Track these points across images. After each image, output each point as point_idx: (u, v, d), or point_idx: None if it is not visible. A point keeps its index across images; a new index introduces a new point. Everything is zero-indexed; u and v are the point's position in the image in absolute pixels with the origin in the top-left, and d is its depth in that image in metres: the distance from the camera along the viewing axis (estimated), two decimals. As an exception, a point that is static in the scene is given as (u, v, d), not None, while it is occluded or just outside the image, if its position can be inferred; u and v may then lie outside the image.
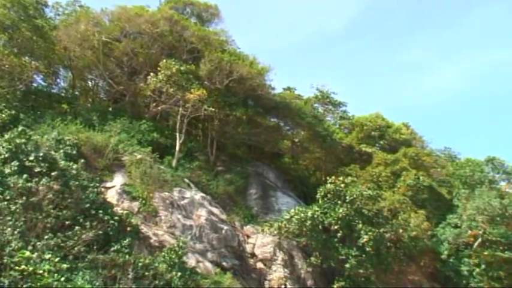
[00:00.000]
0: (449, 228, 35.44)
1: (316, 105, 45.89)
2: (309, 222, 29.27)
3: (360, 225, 29.83)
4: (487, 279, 32.96)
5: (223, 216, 29.13)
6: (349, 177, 32.44)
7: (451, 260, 34.37)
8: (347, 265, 28.86)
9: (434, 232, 35.58)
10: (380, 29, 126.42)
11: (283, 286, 28.21)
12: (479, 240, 34.31)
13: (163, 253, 22.53)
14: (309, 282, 29.59)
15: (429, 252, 34.77)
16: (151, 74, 32.34)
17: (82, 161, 23.17)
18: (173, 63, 32.06)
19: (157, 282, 21.17)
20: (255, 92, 35.67)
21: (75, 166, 22.07)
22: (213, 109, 33.25)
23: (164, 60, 32.34)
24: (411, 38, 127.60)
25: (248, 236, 30.27)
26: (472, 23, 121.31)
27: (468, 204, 36.29)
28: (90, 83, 38.77)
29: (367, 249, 29.21)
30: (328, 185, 31.15)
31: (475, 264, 33.57)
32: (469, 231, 34.72)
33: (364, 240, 29.33)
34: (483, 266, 33.31)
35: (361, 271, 29.01)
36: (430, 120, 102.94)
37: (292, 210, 30.37)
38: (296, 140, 40.23)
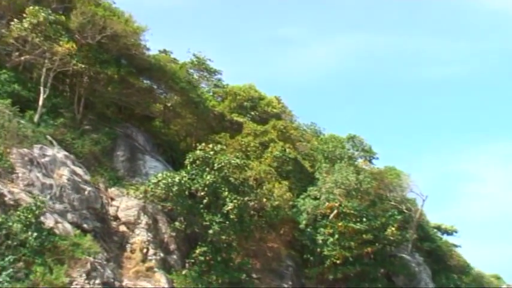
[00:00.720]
0: (309, 200, 37.23)
1: (191, 70, 45.44)
2: (175, 187, 29.18)
3: (226, 193, 30.33)
4: (339, 248, 35.26)
5: (87, 177, 28.05)
6: (219, 145, 32.74)
7: (308, 229, 36.24)
8: (210, 231, 29.29)
9: (295, 203, 37.18)
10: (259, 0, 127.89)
11: (145, 250, 28.00)
12: (335, 211, 36.55)
13: (18, 212, 21.35)
14: (172, 247, 29.67)
15: (289, 222, 36.41)
16: (15, 20, 29.80)
17: None
18: (41, 11, 29.79)
19: (10, 242, 20.07)
20: (129, 51, 34.33)
21: None
22: (83, 65, 31.54)
23: (31, 7, 29.93)
24: (287, 14, 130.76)
25: (112, 199, 29.50)
26: (346, 5, 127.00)
27: (328, 177, 38.38)
28: None
29: (231, 216, 29.82)
30: (198, 152, 31.22)
31: (329, 234, 35.70)
32: (327, 203, 36.77)
33: (229, 207, 29.88)
34: (336, 236, 35.52)
35: (223, 237, 29.63)
36: (300, 95, 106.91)
37: (160, 174, 30.05)
38: (168, 104, 39.57)
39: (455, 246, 56.85)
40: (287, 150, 39.08)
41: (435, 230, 55.51)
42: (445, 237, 56.58)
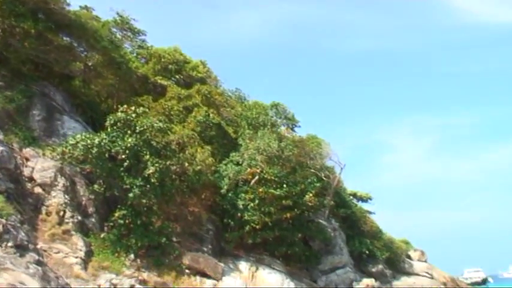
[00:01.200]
0: (231, 165, 37.47)
1: (114, 29, 43.78)
2: (95, 149, 28.51)
3: (148, 157, 29.98)
4: (259, 213, 35.84)
5: (0, 136, 26.75)
6: (141, 108, 32.16)
7: (229, 194, 36.53)
8: (130, 194, 28.99)
9: (217, 168, 37.33)
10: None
11: (62, 212, 27.30)
12: (257, 177, 36.99)
13: None
14: (90, 210, 29.11)
15: (210, 186, 36.55)
16: None
17: None
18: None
19: None
20: (47, 5, 32.56)
21: None
22: (-4, 17, 29.74)
23: None
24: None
25: (27, 159, 28.34)
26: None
27: (250, 144, 38.75)
28: None
29: (152, 180, 29.58)
30: (119, 114, 30.54)
31: (250, 199, 36.18)
32: (249, 169, 37.14)
33: (150, 171, 29.59)
34: (257, 202, 36.03)
35: (144, 201, 29.41)
36: (226, 60, 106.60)
37: (78, 135, 29.21)
38: (89, 64, 38.07)
39: (369, 212, 59.45)
40: (211, 115, 38.98)
41: (351, 197, 57.72)
42: (360, 204, 59.03)
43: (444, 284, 58.97)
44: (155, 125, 31.04)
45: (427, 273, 57.22)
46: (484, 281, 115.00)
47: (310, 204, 39.11)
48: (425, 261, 61.21)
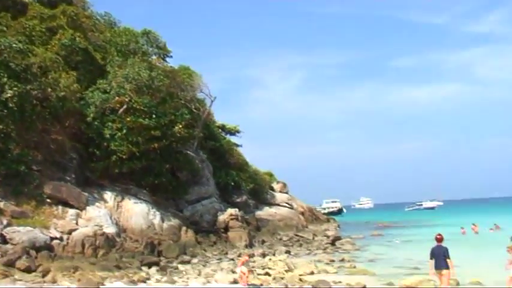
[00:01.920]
0: (98, 93, 36.06)
1: None
2: None
3: (5, 80, 28.05)
4: (127, 143, 35.18)
5: None
6: (-2, 26, 29.65)
7: (96, 123, 35.29)
8: (-15, 120, 27.09)
9: (83, 95, 35.77)
10: None
11: None
12: (125, 106, 36.02)
13: None
14: None
15: (75, 114, 35.02)
16: None
17: None
18: None
19: None
20: None
21: None
22: None
23: None
24: None
25: None
26: None
27: (119, 72, 37.43)
28: None
29: (10, 105, 27.87)
30: (-28, 31, 27.92)
31: (117, 128, 35.25)
32: (117, 98, 35.98)
33: (8, 95, 27.80)
34: (124, 131, 35.24)
35: (1, 126, 27.65)
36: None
37: None
38: None
39: (237, 145, 61.33)
40: (77, 39, 36.85)
41: (220, 130, 58.91)
42: (228, 136, 60.52)
43: (302, 213, 63.25)
44: (14, 45, 28.90)
45: (288, 203, 60.96)
46: (340, 211, 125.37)
47: (179, 135, 39.08)
48: (287, 193, 65.02)
